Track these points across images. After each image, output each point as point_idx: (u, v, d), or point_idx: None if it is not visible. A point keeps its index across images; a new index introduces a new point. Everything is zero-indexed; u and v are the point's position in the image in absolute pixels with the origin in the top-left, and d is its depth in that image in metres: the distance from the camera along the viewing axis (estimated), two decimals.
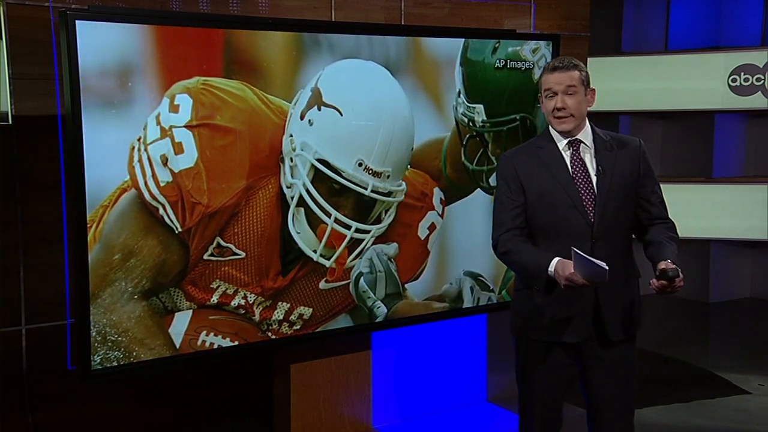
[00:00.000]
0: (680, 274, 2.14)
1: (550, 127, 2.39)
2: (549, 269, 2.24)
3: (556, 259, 2.23)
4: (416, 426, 3.35)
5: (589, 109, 2.38)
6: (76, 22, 2.32)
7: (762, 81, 5.64)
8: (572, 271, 2.16)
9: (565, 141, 2.36)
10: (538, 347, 2.38)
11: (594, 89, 2.38)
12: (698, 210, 5.77)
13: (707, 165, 6.17)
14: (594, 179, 2.34)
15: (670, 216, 2.43)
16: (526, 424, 2.46)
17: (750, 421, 3.79)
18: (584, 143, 2.37)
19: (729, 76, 5.70)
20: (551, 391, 2.41)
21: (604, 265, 2.09)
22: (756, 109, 5.85)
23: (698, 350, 5.05)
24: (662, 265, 2.17)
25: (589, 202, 2.32)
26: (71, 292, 2.92)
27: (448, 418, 3.44)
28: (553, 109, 2.32)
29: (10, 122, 2.84)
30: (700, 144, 6.22)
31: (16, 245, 2.89)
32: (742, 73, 5.65)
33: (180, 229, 2.53)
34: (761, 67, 5.64)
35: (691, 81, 5.80)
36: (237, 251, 2.64)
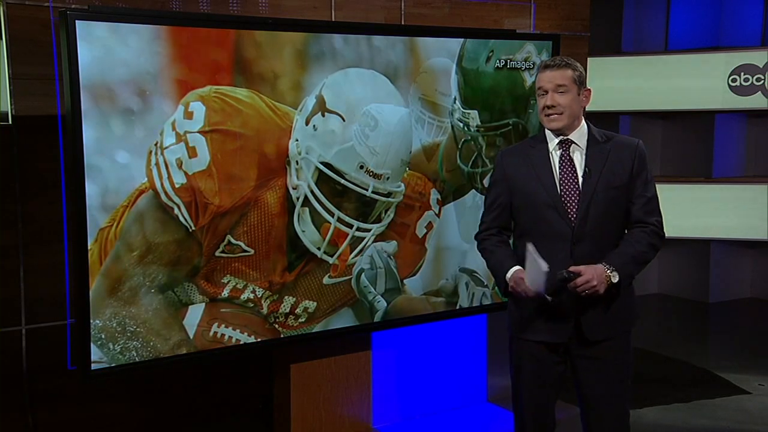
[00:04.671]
0: (574, 279, 2.28)
1: (545, 128, 2.48)
2: (507, 276, 2.43)
3: (515, 267, 2.42)
4: (416, 426, 3.50)
5: (588, 109, 2.47)
6: (76, 22, 2.45)
7: (762, 81, 5.73)
8: (522, 276, 2.34)
9: (557, 141, 2.44)
10: (527, 346, 2.51)
11: (589, 89, 2.45)
12: (698, 210, 5.83)
13: (707, 165, 6.28)
14: (581, 180, 2.41)
15: (656, 219, 2.44)
16: (519, 422, 2.59)
17: (750, 421, 3.95)
18: (575, 143, 2.44)
19: (729, 76, 5.78)
20: (541, 390, 2.52)
21: (544, 265, 2.21)
22: (756, 109, 5.95)
23: (698, 350, 5.20)
24: (571, 268, 2.32)
25: (573, 204, 2.39)
26: (71, 292, 3.04)
27: (448, 418, 3.59)
28: (543, 107, 2.41)
29: (10, 122, 2.93)
30: (700, 144, 6.33)
31: (16, 245, 2.98)
32: (742, 73, 5.75)
33: (193, 228, 2.74)
34: (761, 67, 5.74)
35: (691, 81, 5.87)
36: (246, 248, 2.85)
